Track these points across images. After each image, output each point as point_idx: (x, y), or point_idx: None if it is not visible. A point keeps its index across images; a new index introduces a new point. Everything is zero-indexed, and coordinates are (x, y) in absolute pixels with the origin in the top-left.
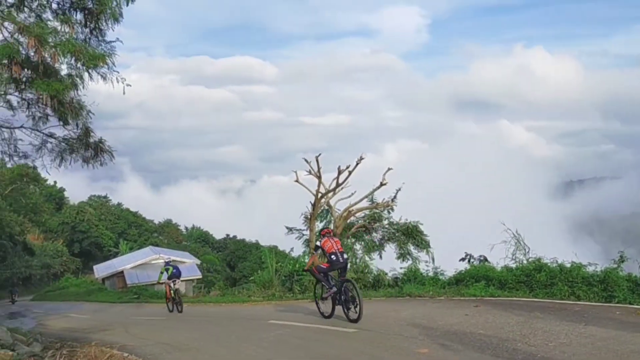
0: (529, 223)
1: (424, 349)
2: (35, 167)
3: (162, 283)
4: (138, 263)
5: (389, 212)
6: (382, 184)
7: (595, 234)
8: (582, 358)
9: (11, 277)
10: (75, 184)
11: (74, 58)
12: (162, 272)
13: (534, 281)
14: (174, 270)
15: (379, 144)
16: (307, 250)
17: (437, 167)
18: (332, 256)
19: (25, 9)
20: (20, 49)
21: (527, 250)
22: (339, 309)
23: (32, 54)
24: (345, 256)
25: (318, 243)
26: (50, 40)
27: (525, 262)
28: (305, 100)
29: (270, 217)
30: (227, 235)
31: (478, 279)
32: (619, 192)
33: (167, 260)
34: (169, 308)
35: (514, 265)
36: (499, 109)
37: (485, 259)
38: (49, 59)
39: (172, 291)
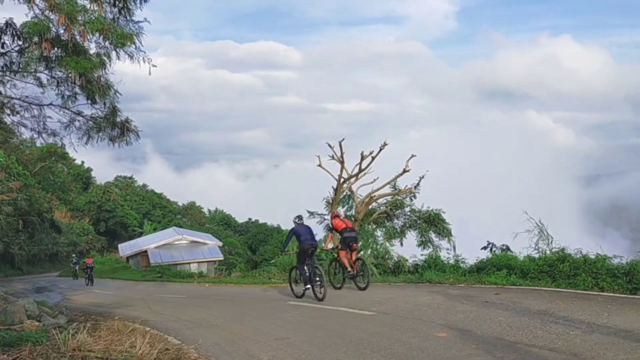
0: (554, 214)
1: (442, 333)
2: (63, 145)
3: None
4: (161, 243)
5: (411, 200)
6: (405, 171)
7: (622, 228)
8: (604, 347)
9: (38, 253)
10: (99, 163)
11: (102, 36)
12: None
13: (557, 271)
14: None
15: (403, 131)
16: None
17: (461, 155)
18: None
19: None
20: (51, 26)
21: (550, 240)
22: None
23: (62, 31)
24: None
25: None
26: (79, 18)
27: (548, 252)
28: (329, 87)
29: (292, 202)
30: (249, 219)
31: (500, 268)
32: None
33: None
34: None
35: (536, 255)
36: (526, 99)
37: (508, 248)
38: (78, 37)
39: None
